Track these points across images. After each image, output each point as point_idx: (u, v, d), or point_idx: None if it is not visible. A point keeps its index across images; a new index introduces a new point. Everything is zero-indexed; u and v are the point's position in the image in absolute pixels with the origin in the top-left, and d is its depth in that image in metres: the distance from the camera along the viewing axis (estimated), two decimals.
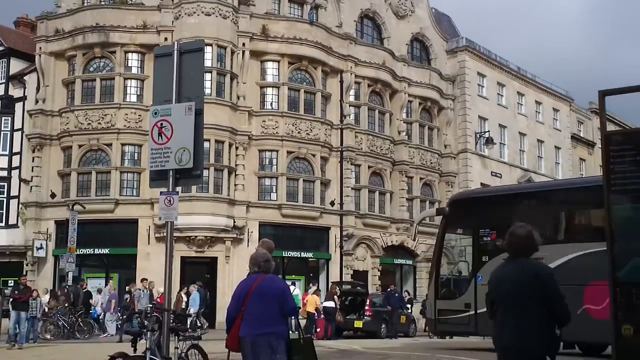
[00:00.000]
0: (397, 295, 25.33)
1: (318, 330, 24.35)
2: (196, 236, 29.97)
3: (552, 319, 5.05)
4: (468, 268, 17.86)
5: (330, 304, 24.48)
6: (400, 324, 26.20)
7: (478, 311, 15.97)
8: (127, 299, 24.15)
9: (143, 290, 24.85)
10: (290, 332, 6.95)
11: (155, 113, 8.30)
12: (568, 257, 14.31)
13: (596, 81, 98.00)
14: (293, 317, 7.70)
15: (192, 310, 23.98)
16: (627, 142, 5.16)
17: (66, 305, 24.70)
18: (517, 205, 17.12)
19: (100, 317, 26.20)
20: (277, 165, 32.95)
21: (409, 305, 29.87)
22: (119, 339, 21.59)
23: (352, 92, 36.20)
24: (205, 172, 28.53)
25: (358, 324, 25.28)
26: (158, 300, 22.15)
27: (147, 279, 25.70)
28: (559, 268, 13.73)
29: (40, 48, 32.82)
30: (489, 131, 42.51)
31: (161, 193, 8.14)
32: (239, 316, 6.63)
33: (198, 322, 23.78)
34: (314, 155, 33.65)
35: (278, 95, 33.43)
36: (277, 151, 32.95)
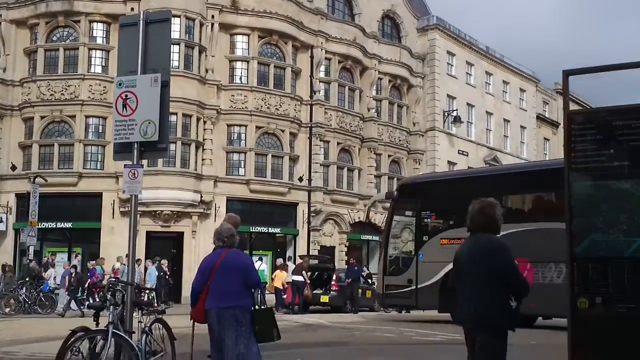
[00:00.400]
0: (356, 268, 25.44)
1: (288, 301, 24.45)
2: (162, 211, 29.80)
3: (508, 291, 5.13)
4: (411, 247, 19.07)
5: (299, 277, 24.52)
6: (365, 298, 26.40)
7: (419, 286, 17.86)
8: (72, 273, 23.66)
9: (122, 265, 24.61)
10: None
11: (120, 84, 8.15)
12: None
13: (564, 63, 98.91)
14: (258, 292, 7.78)
15: (149, 285, 23.80)
16: (589, 122, 5.22)
17: (26, 279, 24.31)
18: (453, 190, 18.36)
19: (56, 291, 25.67)
20: (245, 140, 32.83)
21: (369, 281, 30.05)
22: (63, 313, 21.85)
23: (322, 68, 36.11)
24: (172, 146, 28.55)
25: (324, 298, 25.43)
26: (112, 275, 22.14)
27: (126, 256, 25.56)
28: None
29: (0, 15, 32.07)
30: (456, 110, 42.80)
31: (125, 166, 8.03)
32: (204, 290, 6.78)
33: (154, 298, 23.52)
34: (283, 131, 33.59)
35: (247, 69, 33.20)
36: (245, 126, 32.80)
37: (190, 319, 7.16)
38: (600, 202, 5.07)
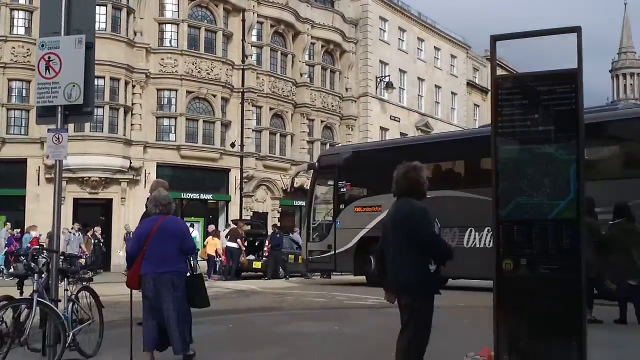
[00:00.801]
0: (278, 235, 25.48)
1: (223, 268, 24.38)
2: (90, 177, 29.10)
3: (428, 256, 5.19)
4: (330, 215, 20.50)
5: (234, 244, 24.41)
6: (297, 264, 26.52)
7: (337, 251, 19.54)
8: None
9: (73, 234, 24.02)
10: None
11: (42, 45, 7.84)
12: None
13: (494, 30, 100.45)
14: (192, 258, 7.76)
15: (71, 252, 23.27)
16: (515, 87, 5.30)
17: None
18: (364, 161, 19.92)
19: None
20: (176, 105, 32.27)
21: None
22: None
23: (254, 32, 35.68)
24: (99, 111, 27.87)
25: (257, 265, 25.42)
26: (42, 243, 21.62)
27: (78, 224, 25.22)
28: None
29: None
30: (389, 75, 43.01)
31: (49, 130, 7.77)
32: (140, 255, 6.85)
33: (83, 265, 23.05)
34: (214, 96, 33.14)
35: (177, 32, 32.49)
36: (176, 90, 32.22)
37: (127, 285, 7.11)
38: (525, 166, 5.17)
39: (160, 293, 6.75)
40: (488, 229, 15.31)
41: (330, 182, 20.82)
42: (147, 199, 7.53)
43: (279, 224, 31.08)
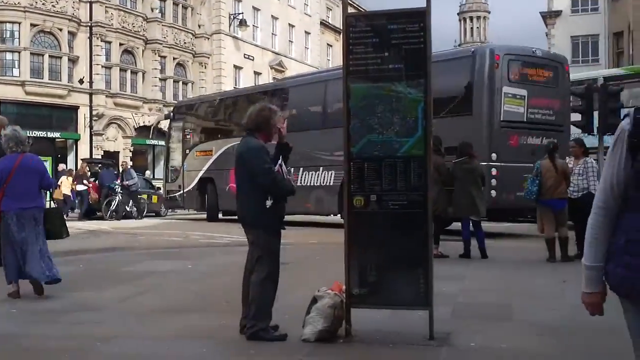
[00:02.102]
0: (115, 172, 24.93)
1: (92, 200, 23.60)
2: None
3: (264, 192, 5.21)
4: (180, 159, 23.25)
5: (82, 187, 23.69)
6: (152, 203, 26.13)
7: (184, 190, 22.37)
8: None
9: None
10: None
11: None
12: (223, 148, 19.92)
13: None
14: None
15: None
16: (366, 25, 5.33)
17: None
18: (203, 111, 23.36)
19: None
20: (19, 38, 30.49)
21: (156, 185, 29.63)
22: None
23: None
24: None
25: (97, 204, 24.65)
26: None
27: None
28: (221, 156, 20.20)
29: None
30: (242, 13, 42.21)
31: None
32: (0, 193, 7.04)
33: None
34: (60, 30, 31.47)
35: None
36: (19, 23, 30.36)
37: None
38: (376, 104, 5.26)
39: (23, 228, 7.01)
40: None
41: (180, 130, 23.60)
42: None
43: (131, 162, 30.35)
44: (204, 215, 22.10)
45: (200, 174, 21.62)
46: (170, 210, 26.89)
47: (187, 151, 22.76)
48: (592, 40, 42.42)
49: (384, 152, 5.24)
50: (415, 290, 5.21)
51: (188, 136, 23.14)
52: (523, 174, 12.94)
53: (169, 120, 24.98)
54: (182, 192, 22.53)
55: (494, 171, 13.97)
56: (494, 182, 13.90)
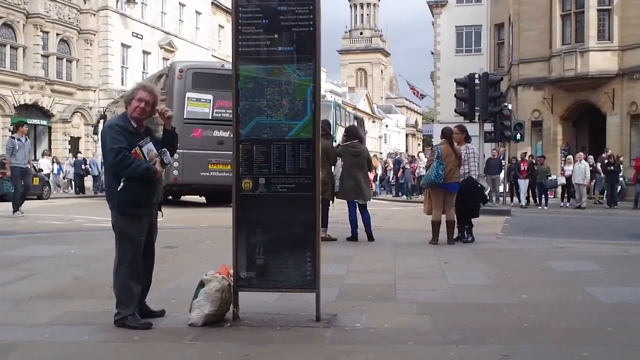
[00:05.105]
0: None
1: None
2: None
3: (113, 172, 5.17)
4: None
5: None
6: (34, 185, 25.00)
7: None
8: None
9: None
10: None
11: None
12: None
13: None
14: None
15: None
16: (256, 6, 5.26)
17: None
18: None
19: None
20: None
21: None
22: None
23: None
24: None
25: None
26: None
27: None
28: None
29: None
30: None
31: None
32: None
33: None
34: None
35: None
36: None
37: None
38: (265, 87, 5.23)
39: None
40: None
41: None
42: None
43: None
44: (90, 199, 21.58)
45: None
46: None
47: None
48: (475, 31, 43.99)
49: (272, 134, 5.23)
50: (302, 273, 5.25)
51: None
52: (207, 158, 18.49)
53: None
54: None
55: (176, 156, 16.38)
56: (177, 164, 17.47)
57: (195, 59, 42.80)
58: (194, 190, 20.79)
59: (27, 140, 16.56)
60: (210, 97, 18.90)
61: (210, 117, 18.74)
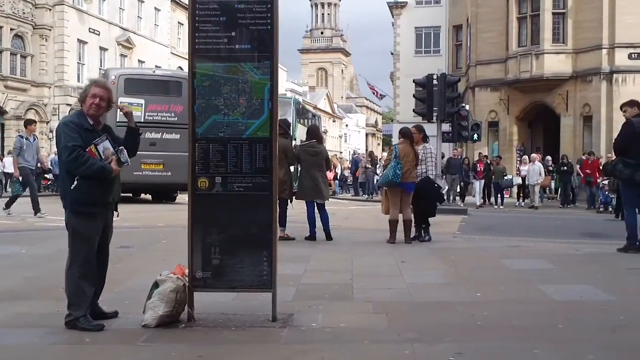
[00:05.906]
0: None
1: None
2: None
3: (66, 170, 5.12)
4: None
5: None
6: None
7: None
8: None
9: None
10: None
11: None
12: None
13: None
14: None
15: None
16: (213, 4, 5.20)
17: None
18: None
19: None
20: None
21: None
22: None
23: None
24: None
25: None
26: None
27: None
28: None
29: None
30: None
31: None
32: None
33: None
34: None
35: None
36: None
37: None
38: (222, 85, 5.19)
39: None
40: None
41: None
42: None
43: None
44: (45, 198, 21.11)
45: None
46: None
47: None
48: (434, 32, 44.36)
49: (229, 133, 5.20)
50: (259, 272, 5.22)
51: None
52: (140, 159, 18.01)
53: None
54: None
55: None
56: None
57: (154, 56, 42.60)
58: (129, 189, 21.06)
59: (35, 139, 16.39)
60: (142, 101, 20.01)
61: (142, 120, 19.01)
